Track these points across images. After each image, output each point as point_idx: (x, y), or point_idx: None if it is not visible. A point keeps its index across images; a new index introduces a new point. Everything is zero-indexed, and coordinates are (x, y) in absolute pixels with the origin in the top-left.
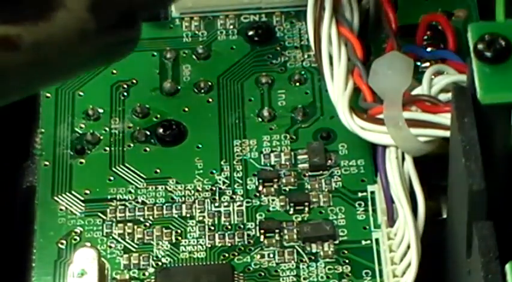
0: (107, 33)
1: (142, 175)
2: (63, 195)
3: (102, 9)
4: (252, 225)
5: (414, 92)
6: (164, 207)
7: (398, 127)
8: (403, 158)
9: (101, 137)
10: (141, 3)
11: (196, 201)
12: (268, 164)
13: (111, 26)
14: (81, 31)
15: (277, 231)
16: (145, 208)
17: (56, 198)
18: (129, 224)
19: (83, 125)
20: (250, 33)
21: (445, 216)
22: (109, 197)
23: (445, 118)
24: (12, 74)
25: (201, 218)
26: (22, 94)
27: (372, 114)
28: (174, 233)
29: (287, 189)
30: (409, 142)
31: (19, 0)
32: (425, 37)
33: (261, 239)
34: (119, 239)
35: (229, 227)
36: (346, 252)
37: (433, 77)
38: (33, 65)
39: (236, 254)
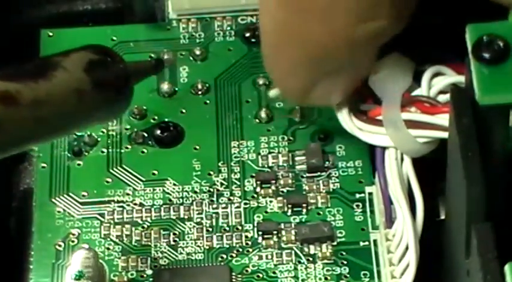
0: (101, 92)
1: (139, 177)
2: (61, 197)
3: (97, 71)
4: (250, 226)
5: (413, 94)
6: (162, 208)
7: (397, 128)
8: (402, 159)
9: (99, 139)
10: (134, 69)
11: (194, 202)
12: (265, 166)
13: (105, 86)
14: (78, 90)
15: (275, 232)
16: (143, 210)
17: (53, 200)
18: (127, 226)
19: None
20: (248, 34)
21: (443, 217)
22: (107, 198)
23: (444, 119)
24: (11, 129)
25: (198, 220)
26: (20, 148)
27: (372, 115)
28: (172, 234)
29: (285, 190)
30: (408, 143)
31: (21, 61)
32: None
33: (259, 241)
34: (117, 241)
35: (227, 228)
36: (344, 253)
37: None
38: (31, 120)
39: (234, 255)
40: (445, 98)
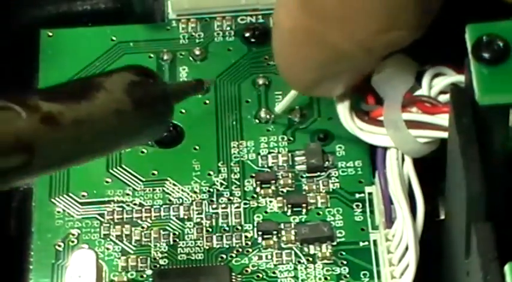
0: (141, 114)
1: (139, 177)
2: (61, 197)
3: (137, 92)
4: (249, 226)
5: (414, 94)
6: (162, 209)
7: (398, 128)
8: (403, 159)
9: None
10: (174, 90)
11: (194, 202)
12: (265, 166)
13: (145, 108)
14: (118, 111)
15: (274, 232)
16: (143, 210)
17: (53, 200)
18: (127, 226)
19: None
20: (247, 34)
21: (443, 217)
22: (106, 199)
23: (444, 119)
24: (52, 149)
25: (198, 220)
26: (59, 168)
27: (373, 116)
28: (171, 234)
29: (285, 190)
30: (408, 144)
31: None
32: None
33: (259, 241)
34: (117, 241)
35: (227, 228)
36: (344, 253)
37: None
38: (72, 141)
39: (234, 255)
40: (445, 98)
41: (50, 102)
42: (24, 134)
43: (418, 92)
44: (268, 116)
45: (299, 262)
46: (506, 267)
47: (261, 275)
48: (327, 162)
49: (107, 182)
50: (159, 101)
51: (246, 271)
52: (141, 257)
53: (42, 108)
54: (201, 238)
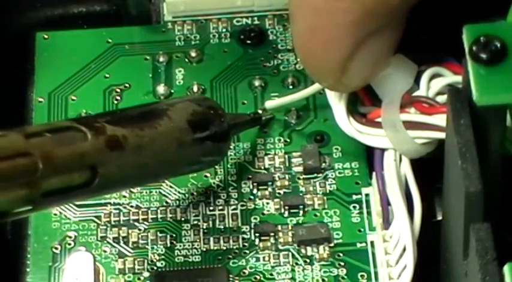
0: (200, 144)
1: None
2: None
3: (199, 123)
4: (247, 228)
5: (412, 95)
6: (158, 211)
7: (396, 129)
8: (400, 160)
9: None
10: (232, 123)
11: (191, 204)
12: (262, 167)
13: (205, 139)
14: (178, 140)
15: (272, 234)
16: (140, 212)
17: None
18: (124, 228)
19: None
20: (243, 36)
21: (440, 217)
22: (103, 201)
23: (442, 120)
24: (112, 172)
25: (195, 222)
26: (116, 191)
27: (370, 117)
28: (168, 236)
29: (281, 192)
30: (406, 144)
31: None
32: None
33: (256, 242)
34: (114, 244)
35: (224, 230)
36: (341, 255)
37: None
38: (132, 166)
39: (231, 257)
40: (443, 99)
41: (115, 126)
42: (89, 154)
43: (416, 93)
44: (264, 117)
45: (296, 264)
46: (506, 268)
47: (258, 277)
48: (323, 164)
49: None
50: (219, 136)
51: (244, 273)
52: (138, 260)
53: (107, 131)
54: (198, 240)
